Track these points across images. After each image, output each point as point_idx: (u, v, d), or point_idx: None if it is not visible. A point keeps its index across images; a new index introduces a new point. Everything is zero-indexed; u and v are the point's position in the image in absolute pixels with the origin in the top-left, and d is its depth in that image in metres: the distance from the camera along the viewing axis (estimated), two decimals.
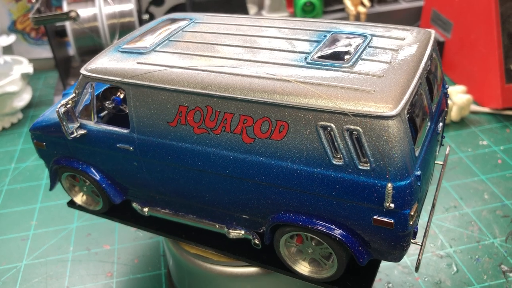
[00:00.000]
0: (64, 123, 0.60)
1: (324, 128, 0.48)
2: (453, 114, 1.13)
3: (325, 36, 0.58)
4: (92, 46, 1.35)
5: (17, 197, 1.03)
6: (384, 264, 0.80)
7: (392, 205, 0.48)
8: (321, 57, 0.53)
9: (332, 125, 0.48)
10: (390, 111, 0.45)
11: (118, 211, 0.72)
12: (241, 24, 0.64)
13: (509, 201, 0.92)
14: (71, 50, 1.50)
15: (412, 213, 0.49)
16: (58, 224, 0.95)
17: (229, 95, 0.51)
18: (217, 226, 0.63)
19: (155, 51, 0.60)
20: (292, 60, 0.53)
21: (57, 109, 0.60)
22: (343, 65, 0.51)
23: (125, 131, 0.60)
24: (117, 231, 0.93)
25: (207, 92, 0.52)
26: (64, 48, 1.50)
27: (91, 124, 0.62)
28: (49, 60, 1.55)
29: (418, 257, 0.58)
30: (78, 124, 0.62)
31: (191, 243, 0.66)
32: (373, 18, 1.46)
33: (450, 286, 0.77)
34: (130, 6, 1.35)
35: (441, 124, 0.60)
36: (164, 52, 0.59)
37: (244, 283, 0.66)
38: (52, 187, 0.75)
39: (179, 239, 0.67)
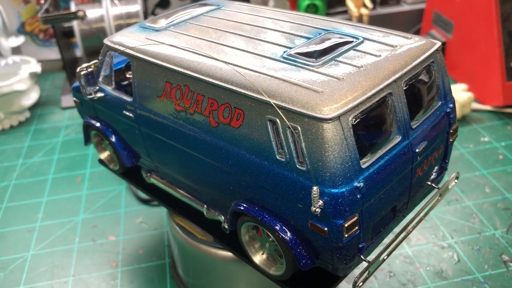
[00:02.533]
0: (82, 84, 0.65)
1: (271, 122, 0.48)
2: None
3: (319, 34, 0.57)
4: (99, 46, 1.37)
5: (24, 191, 1.05)
6: None
7: (318, 210, 0.46)
8: (298, 53, 0.52)
9: (277, 120, 0.47)
10: (327, 114, 0.44)
11: (132, 174, 0.75)
12: (257, 15, 0.65)
13: (510, 195, 0.93)
14: (79, 51, 1.52)
15: (347, 225, 0.47)
16: (64, 216, 0.97)
17: (200, 76, 0.53)
18: (198, 203, 0.64)
19: (167, 30, 0.63)
20: (271, 53, 0.54)
21: (77, 71, 0.65)
22: (312, 64, 0.50)
23: (129, 99, 0.63)
24: (122, 223, 0.94)
25: (184, 71, 0.54)
26: (71, 49, 1.52)
27: (109, 89, 0.67)
28: (56, 61, 1.58)
29: (362, 274, 0.51)
30: (97, 88, 0.67)
31: (180, 216, 0.68)
32: (375, 20, 1.48)
33: (452, 275, 0.78)
34: (137, 8, 1.38)
35: (424, 143, 0.54)
36: (173, 31, 0.62)
37: (249, 268, 0.67)
38: (85, 143, 0.79)
39: (172, 210, 0.69)
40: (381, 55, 0.51)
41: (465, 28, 1.26)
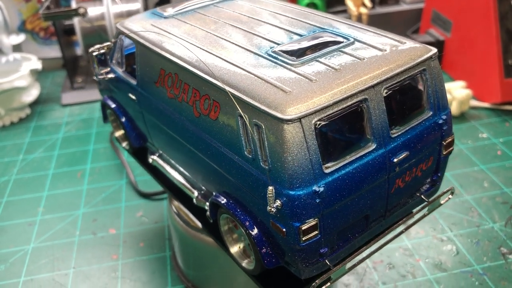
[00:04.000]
0: (94, 64, 0.69)
1: (241, 117, 0.48)
2: (453, 108, 1.15)
3: (314, 31, 0.57)
4: (100, 44, 1.38)
5: (25, 186, 1.05)
6: (385, 247, 0.81)
7: (273, 210, 0.46)
8: (282, 50, 0.52)
9: (246, 116, 0.47)
10: (288, 115, 0.43)
11: (141, 155, 0.76)
12: (263, 8, 0.66)
13: (508, 189, 0.93)
14: (79, 50, 1.53)
15: (304, 228, 0.46)
16: (65, 210, 0.97)
17: (185, 65, 0.54)
18: (190, 189, 0.64)
19: (173, 17, 0.64)
20: (258, 48, 0.54)
21: (90, 51, 0.67)
22: (291, 62, 0.50)
23: (134, 83, 0.65)
24: (122, 216, 0.94)
25: (173, 59, 0.55)
26: (72, 47, 1.53)
27: (119, 71, 0.68)
28: (57, 59, 1.59)
29: (322, 278, 0.50)
30: (109, 69, 0.69)
31: (176, 199, 0.69)
32: (374, 19, 1.49)
33: (451, 267, 0.78)
34: (137, 6, 1.39)
35: (405, 154, 0.51)
36: (178, 19, 0.64)
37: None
38: (103, 120, 0.81)
39: (170, 193, 0.70)
40: (365, 58, 0.50)
41: (463, 26, 1.27)
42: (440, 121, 0.55)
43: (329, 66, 0.49)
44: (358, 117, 0.48)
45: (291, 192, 0.45)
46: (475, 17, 1.22)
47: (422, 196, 0.58)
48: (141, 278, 0.81)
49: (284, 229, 0.47)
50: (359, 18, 1.45)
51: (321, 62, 0.49)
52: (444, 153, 0.57)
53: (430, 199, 0.58)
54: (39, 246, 0.89)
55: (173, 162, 0.67)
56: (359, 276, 0.78)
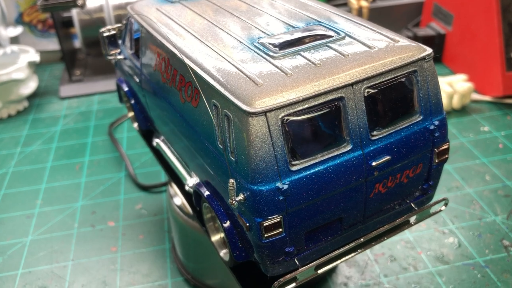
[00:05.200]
0: (104, 45, 0.70)
1: (215, 107, 0.47)
2: (455, 102, 1.15)
3: (308, 24, 0.55)
4: (98, 37, 1.37)
5: (23, 178, 1.04)
6: (387, 240, 0.81)
7: (234, 203, 0.45)
8: (268, 42, 0.51)
9: (219, 105, 0.46)
10: (253, 108, 0.42)
11: (149, 137, 0.77)
12: None
13: (510, 182, 0.93)
14: (77, 42, 1.52)
15: (266, 225, 0.45)
16: (63, 203, 0.96)
17: (174, 51, 0.53)
18: (184, 175, 0.63)
19: (179, 3, 0.65)
20: (246, 38, 0.53)
21: (100, 31, 0.69)
22: (272, 55, 0.49)
23: (138, 65, 0.65)
24: (121, 209, 0.94)
25: (166, 44, 0.55)
26: (70, 40, 1.52)
27: (128, 53, 0.69)
28: (55, 52, 1.57)
29: (286, 278, 0.49)
30: (119, 50, 0.71)
31: (174, 183, 0.68)
32: (375, 12, 1.48)
33: (453, 260, 0.78)
34: None
35: (385, 158, 0.49)
36: (183, 5, 0.64)
37: None
38: (119, 101, 0.82)
39: (169, 177, 0.69)
40: (350, 55, 0.48)
41: (465, 19, 1.26)
42: (432, 127, 0.51)
43: (309, 60, 0.47)
44: (333, 115, 0.46)
45: (253, 187, 0.44)
46: (476, 10, 1.21)
47: (412, 204, 0.55)
48: (140, 270, 0.80)
49: (247, 224, 0.47)
50: (359, 11, 1.44)
51: (303, 56, 0.48)
52: (436, 161, 0.54)
53: (418, 208, 0.55)
54: (38, 238, 0.88)
55: (172, 147, 0.67)
56: (361, 269, 0.77)
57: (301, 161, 0.45)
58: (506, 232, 0.82)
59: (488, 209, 0.87)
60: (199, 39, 0.54)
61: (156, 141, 0.70)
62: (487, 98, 1.18)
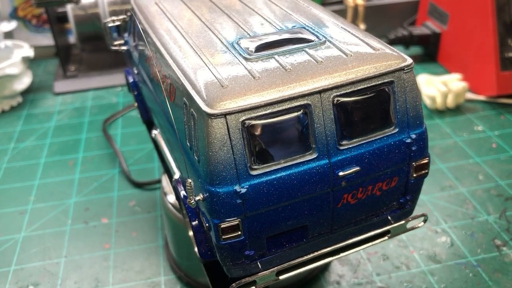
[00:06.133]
0: (108, 35, 0.72)
1: (185, 104, 0.47)
2: (449, 101, 1.15)
3: (294, 26, 0.55)
4: (93, 32, 1.36)
5: (16, 174, 1.04)
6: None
7: (193, 202, 0.46)
8: (246, 43, 0.51)
9: (187, 103, 0.46)
10: (213, 110, 0.42)
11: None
12: None
13: (503, 182, 0.93)
14: (72, 38, 1.51)
15: (223, 227, 0.45)
16: (56, 199, 0.96)
17: (158, 46, 0.54)
18: (174, 169, 0.63)
19: None
20: (228, 39, 0.53)
21: (105, 21, 0.71)
22: (246, 57, 0.48)
23: (137, 56, 0.67)
24: (115, 206, 0.93)
25: (154, 39, 0.56)
26: (65, 35, 1.51)
27: (132, 45, 0.71)
28: (49, 48, 1.56)
29: (245, 281, 0.49)
30: (123, 41, 0.73)
31: (167, 176, 0.68)
32: (371, 11, 1.48)
33: (445, 259, 0.78)
34: None
35: (354, 168, 0.48)
36: (181, 1, 0.64)
37: None
38: (128, 90, 0.83)
39: (164, 168, 0.69)
40: (323, 62, 0.47)
41: (460, 19, 1.26)
42: (408, 140, 0.49)
43: (281, 65, 0.47)
44: (298, 122, 0.45)
45: (211, 188, 0.44)
46: (472, 10, 1.21)
47: (389, 217, 0.54)
48: (133, 267, 0.80)
49: (207, 224, 0.47)
50: (355, 10, 1.44)
51: (276, 60, 0.47)
52: (414, 175, 0.52)
53: (394, 223, 0.54)
54: (30, 235, 0.88)
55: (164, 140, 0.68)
56: (353, 267, 0.77)
57: (261, 166, 0.45)
58: (498, 231, 0.82)
59: (480, 209, 0.87)
60: (183, 36, 0.54)
61: (154, 132, 0.71)
62: (481, 97, 1.19)
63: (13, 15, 1.54)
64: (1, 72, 1.22)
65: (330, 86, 0.45)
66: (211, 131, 0.43)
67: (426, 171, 0.53)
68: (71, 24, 1.36)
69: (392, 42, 1.35)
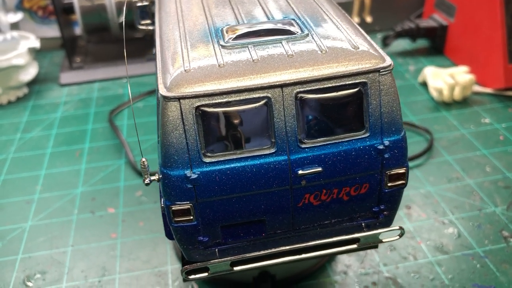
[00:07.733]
0: (136, 15, 0.74)
1: (158, 86, 0.47)
2: (456, 93, 1.14)
3: (285, 17, 0.54)
4: (99, 23, 1.36)
5: (22, 164, 1.04)
6: None
7: (147, 181, 0.47)
8: (228, 31, 0.51)
9: (158, 86, 0.47)
10: (168, 92, 0.43)
11: None
12: None
13: (510, 174, 0.93)
14: (78, 29, 1.51)
15: (174, 209, 0.46)
16: (63, 189, 0.96)
17: (156, 26, 0.56)
18: None
19: None
20: (216, 25, 0.53)
21: (134, 1, 0.73)
22: (222, 44, 0.48)
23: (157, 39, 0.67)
24: (121, 196, 0.93)
25: (157, 20, 0.58)
26: (71, 27, 1.51)
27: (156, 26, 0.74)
28: (55, 39, 1.56)
29: (197, 265, 0.50)
30: (150, 22, 0.75)
31: None
32: (378, 4, 1.47)
33: (452, 249, 0.78)
34: None
35: (316, 169, 0.47)
36: None
37: None
38: None
39: None
40: (294, 55, 0.46)
41: (467, 11, 1.26)
42: (381, 147, 0.47)
43: (251, 55, 0.46)
44: (257, 115, 0.45)
45: (164, 170, 0.45)
46: (479, 2, 1.20)
47: (363, 224, 0.53)
48: (140, 257, 0.80)
49: (163, 205, 0.48)
50: (362, 2, 1.43)
51: (248, 50, 0.47)
52: (388, 185, 0.49)
53: (366, 231, 0.52)
54: (37, 224, 0.88)
55: None
56: (360, 258, 0.77)
57: (215, 154, 0.45)
58: (506, 223, 0.82)
59: (488, 200, 0.87)
60: (178, 20, 0.55)
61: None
62: (488, 90, 1.18)
63: (19, 7, 1.54)
64: (7, 62, 1.22)
65: (292, 81, 0.44)
66: (165, 113, 0.43)
67: (403, 181, 0.50)
68: (77, 15, 1.36)
69: (399, 35, 1.35)
